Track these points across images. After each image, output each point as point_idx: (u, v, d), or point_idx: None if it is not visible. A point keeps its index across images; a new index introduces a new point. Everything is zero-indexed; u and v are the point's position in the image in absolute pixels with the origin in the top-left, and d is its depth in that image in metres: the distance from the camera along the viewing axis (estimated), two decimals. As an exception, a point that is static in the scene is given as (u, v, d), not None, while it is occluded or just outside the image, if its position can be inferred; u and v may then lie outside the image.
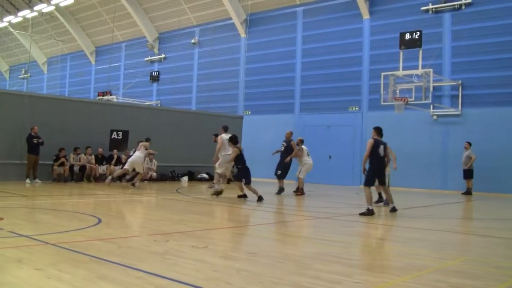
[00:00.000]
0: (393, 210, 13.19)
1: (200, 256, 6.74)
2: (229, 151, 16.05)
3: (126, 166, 19.98)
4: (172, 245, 7.43)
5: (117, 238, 8.10)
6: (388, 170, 14.16)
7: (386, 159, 13.22)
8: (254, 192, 15.40)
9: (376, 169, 12.86)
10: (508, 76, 22.59)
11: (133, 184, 19.43)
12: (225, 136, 16.56)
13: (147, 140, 20.17)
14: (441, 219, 13.19)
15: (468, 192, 21.87)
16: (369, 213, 12.35)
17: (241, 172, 15.72)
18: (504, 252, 8.23)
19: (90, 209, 12.39)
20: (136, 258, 6.44)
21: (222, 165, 16.43)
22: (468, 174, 21.95)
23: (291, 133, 19.02)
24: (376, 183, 13.68)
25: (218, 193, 15.99)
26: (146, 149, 20.08)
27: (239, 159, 15.71)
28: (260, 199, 15.19)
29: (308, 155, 18.51)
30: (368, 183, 12.87)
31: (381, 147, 12.83)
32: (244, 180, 15.54)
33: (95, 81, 44.72)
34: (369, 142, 12.80)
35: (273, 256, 7.15)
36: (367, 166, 12.91)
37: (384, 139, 13.11)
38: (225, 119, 28.12)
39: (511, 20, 22.74)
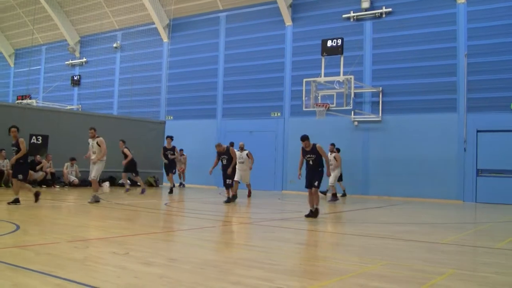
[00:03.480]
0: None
1: (120, 262, 6.37)
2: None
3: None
4: (92, 252, 7.09)
5: (36, 245, 7.49)
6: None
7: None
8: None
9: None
10: (425, 83, 21.98)
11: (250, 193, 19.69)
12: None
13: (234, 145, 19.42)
14: (362, 224, 12.49)
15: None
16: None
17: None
18: (424, 256, 7.82)
19: (8, 215, 11.28)
20: (55, 265, 6.02)
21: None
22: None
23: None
24: None
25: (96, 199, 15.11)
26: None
27: None
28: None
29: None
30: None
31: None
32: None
33: (14, 84, 41.10)
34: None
35: (194, 262, 6.68)
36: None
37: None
38: (147, 124, 27.02)
39: (428, 29, 22.15)
